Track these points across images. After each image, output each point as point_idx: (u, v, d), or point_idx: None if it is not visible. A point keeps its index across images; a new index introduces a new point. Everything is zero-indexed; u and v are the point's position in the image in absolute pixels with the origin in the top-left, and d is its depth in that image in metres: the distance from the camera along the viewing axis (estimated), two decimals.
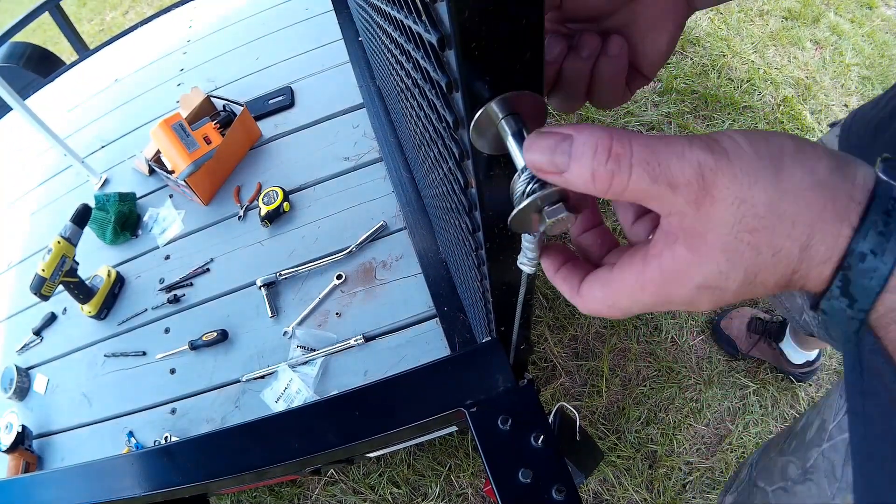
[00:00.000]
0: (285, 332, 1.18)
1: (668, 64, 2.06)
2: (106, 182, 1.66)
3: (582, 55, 0.33)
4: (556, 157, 0.24)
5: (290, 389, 1.10)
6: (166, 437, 1.14)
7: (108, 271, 1.37)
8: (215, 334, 1.20)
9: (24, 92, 2.12)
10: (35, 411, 1.31)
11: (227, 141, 1.44)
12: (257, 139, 1.55)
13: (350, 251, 1.23)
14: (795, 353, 1.35)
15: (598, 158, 0.23)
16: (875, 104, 0.75)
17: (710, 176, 0.22)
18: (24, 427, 1.22)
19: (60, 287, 1.27)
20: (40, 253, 1.31)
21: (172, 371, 1.23)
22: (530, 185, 0.26)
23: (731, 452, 1.37)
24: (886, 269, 0.21)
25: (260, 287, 1.24)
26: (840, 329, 0.24)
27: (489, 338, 0.64)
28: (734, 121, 1.89)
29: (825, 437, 0.62)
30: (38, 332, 1.42)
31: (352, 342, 1.12)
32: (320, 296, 1.20)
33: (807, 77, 2.00)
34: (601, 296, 0.28)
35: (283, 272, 1.24)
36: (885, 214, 0.21)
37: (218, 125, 1.49)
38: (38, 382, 1.34)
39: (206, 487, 0.69)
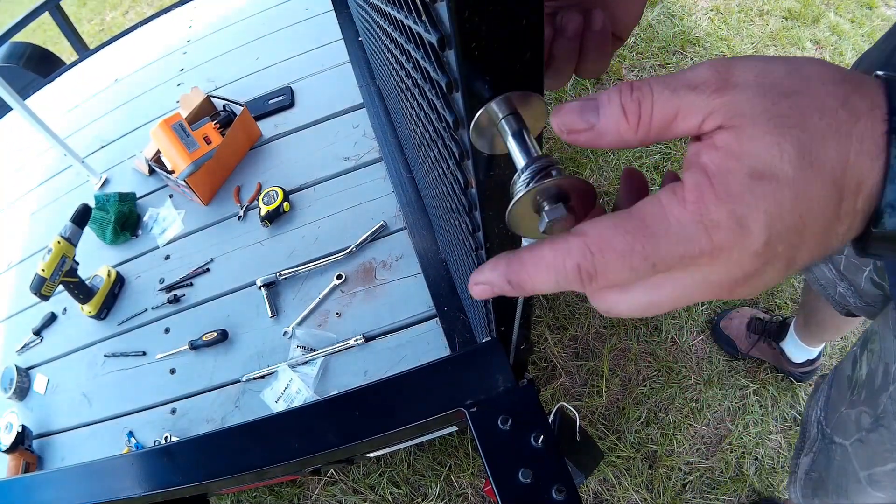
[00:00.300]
0: (285, 332, 1.18)
1: (669, 64, 2.07)
2: (106, 182, 1.66)
3: (567, 35, 0.33)
4: (586, 113, 0.24)
5: (290, 389, 1.10)
6: (166, 437, 1.14)
7: (108, 271, 1.37)
8: (215, 334, 1.20)
9: (24, 92, 2.12)
10: (35, 411, 1.31)
11: (227, 141, 1.44)
12: (257, 139, 1.55)
13: (350, 251, 1.23)
14: (797, 351, 1.35)
15: (624, 95, 0.23)
16: (878, 45, 0.75)
17: (725, 67, 0.22)
18: (24, 427, 1.22)
19: (60, 287, 1.27)
20: (40, 253, 1.31)
21: (172, 371, 1.23)
22: (531, 184, 0.26)
23: (731, 452, 1.37)
24: None
25: (260, 287, 1.24)
26: None
27: (489, 338, 0.64)
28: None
29: (891, 381, 0.61)
30: (38, 332, 1.42)
31: (352, 342, 1.12)
32: (320, 296, 1.20)
33: None
34: (616, 221, 0.22)
35: (283, 272, 1.24)
36: None
37: (218, 125, 1.49)
38: (38, 382, 1.34)
39: (206, 487, 0.69)
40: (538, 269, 0.24)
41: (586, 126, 0.24)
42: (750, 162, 0.21)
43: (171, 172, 1.41)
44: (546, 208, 0.26)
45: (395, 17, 0.43)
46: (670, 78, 0.23)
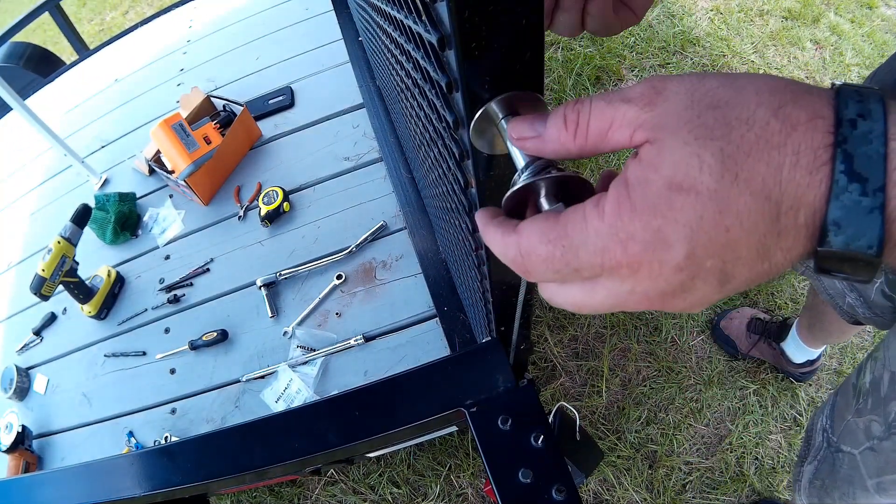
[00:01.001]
0: (285, 332, 1.18)
1: (669, 64, 2.06)
2: (106, 182, 1.66)
3: None
4: (535, 123, 0.25)
5: (290, 389, 1.10)
6: (166, 437, 1.14)
7: (108, 271, 1.37)
8: (215, 334, 1.20)
9: (24, 92, 2.12)
10: (35, 411, 1.31)
11: (227, 141, 1.44)
12: (257, 139, 1.55)
13: (350, 251, 1.23)
14: (798, 352, 1.35)
15: (568, 107, 0.24)
16: (889, 65, 0.75)
17: (660, 81, 0.22)
18: (24, 427, 1.22)
19: (60, 287, 1.27)
20: (40, 253, 1.31)
21: (172, 371, 1.23)
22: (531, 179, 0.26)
23: (730, 452, 1.37)
24: (880, 127, 0.19)
25: (260, 287, 1.24)
26: (865, 240, 0.19)
27: (489, 338, 0.64)
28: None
29: None
30: (38, 332, 1.42)
31: (352, 342, 1.12)
32: (320, 296, 1.20)
33: (807, 77, 2.00)
34: (543, 227, 0.23)
35: (283, 272, 1.24)
36: (857, 94, 0.20)
37: (218, 125, 1.49)
38: (38, 382, 1.34)
39: (206, 487, 0.69)
40: (492, 246, 0.27)
41: (534, 134, 0.25)
42: (668, 173, 0.20)
43: (171, 172, 1.41)
44: (546, 207, 0.26)
45: (395, 17, 0.43)
46: (611, 93, 0.23)
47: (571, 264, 0.23)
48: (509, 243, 0.25)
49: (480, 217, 0.28)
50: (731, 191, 0.20)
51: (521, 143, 0.26)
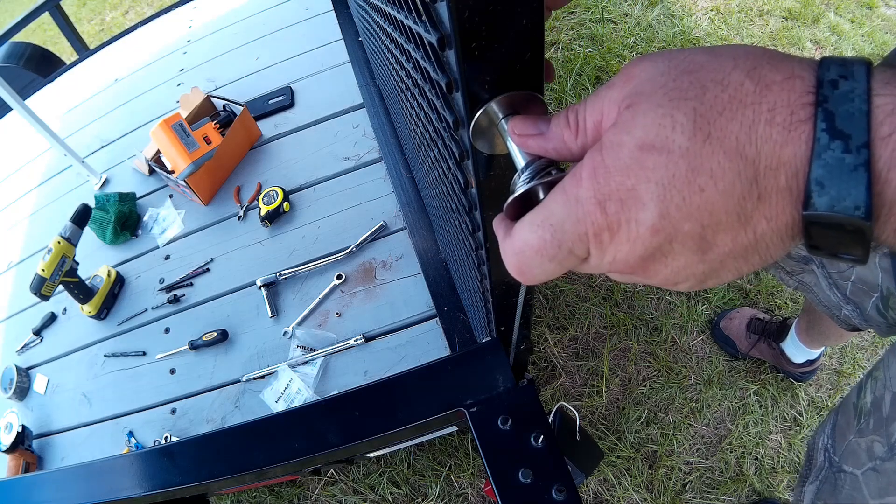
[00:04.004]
0: (285, 332, 1.18)
1: None
2: (106, 182, 1.66)
3: None
4: (539, 122, 0.26)
5: (290, 389, 1.10)
6: (166, 437, 1.14)
7: (108, 271, 1.37)
8: (215, 334, 1.20)
9: (24, 92, 2.12)
10: (35, 411, 1.31)
11: (227, 141, 1.44)
12: (257, 139, 1.55)
13: (350, 251, 1.23)
14: (798, 352, 1.35)
15: (569, 109, 0.25)
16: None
17: (637, 60, 0.23)
18: (24, 427, 1.22)
19: (60, 287, 1.27)
20: (40, 253, 1.31)
21: (172, 371, 1.23)
22: (531, 183, 0.26)
23: (730, 452, 1.37)
24: (862, 86, 0.18)
25: (260, 287, 1.24)
26: (850, 200, 0.18)
27: (489, 338, 0.64)
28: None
29: None
30: (38, 332, 1.41)
31: (352, 342, 1.12)
32: (320, 296, 1.20)
33: None
34: (529, 217, 0.24)
35: (283, 272, 1.24)
36: (840, 60, 0.19)
37: (218, 125, 1.49)
38: (38, 382, 1.34)
39: (206, 487, 0.69)
40: (505, 254, 0.26)
41: (536, 132, 0.25)
42: (640, 134, 0.20)
43: (171, 172, 1.41)
44: None
45: (395, 17, 0.43)
46: (599, 88, 0.24)
47: (564, 244, 0.23)
48: (505, 250, 0.25)
49: (497, 229, 0.28)
50: (704, 149, 0.19)
51: (522, 140, 0.26)
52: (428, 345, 1.08)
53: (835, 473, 0.74)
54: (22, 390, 1.33)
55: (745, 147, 0.19)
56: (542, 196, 0.26)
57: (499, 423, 0.56)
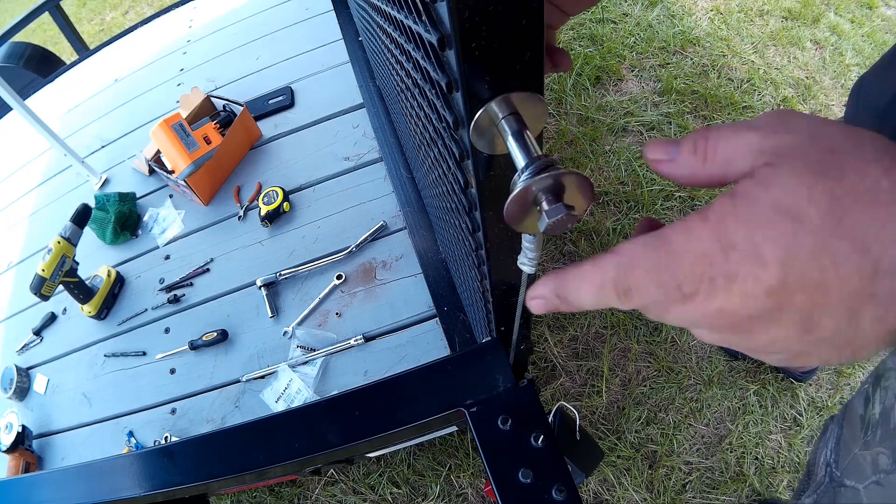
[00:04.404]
0: (285, 332, 1.18)
1: (669, 64, 2.06)
2: (106, 182, 1.66)
3: None
4: (669, 146, 0.25)
5: (290, 389, 1.10)
6: (166, 437, 1.14)
7: (108, 271, 1.37)
8: (215, 334, 1.20)
9: (24, 92, 2.12)
10: (35, 411, 1.31)
11: (227, 141, 1.44)
12: (257, 139, 1.55)
13: (350, 251, 1.23)
14: None
15: (699, 134, 0.25)
16: (879, 73, 0.74)
17: (786, 114, 0.23)
18: (24, 427, 1.22)
19: (60, 287, 1.27)
20: (40, 253, 1.31)
21: (172, 371, 1.23)
22: (531, 183, 0.26)
23: (730, 452, 1.37)
24: None
25: (260, 287, 1.24)
26: None
27: (489, 338, 0.64)
28: (734, 121, 1.89)
29: None
30: (38, 332, 1.41)
31: (352, 342, 1.12)
32: (320, 296, 1.20)
33: (807, 77, 2.00)
34: (645, 240, 0.23)
35: (283, 272, 1.24)
36: None
37: (218, 125, 1.49)
38: (38, 382, 1.34)
39: (206, 487, 0.69)
40: (581, 283, 0.25)
41: (668, 157, 0.25)
42: (777, 195, 0.20)
43: (171, 172, 1.41)
44: (546, 207, 0.26)
45: (395, 17, 0.43)
46: (738, 122, 0.24)
47: (676, 274, 0.22)
48: (605, 265, 0.24)
49: (555, 273, 0.27)
50: (834, 232, 0.19)
51: (655, 165, 0.26)
52: (428, 345, 1.08)
53: (835, 489, 0.73)
54: (22, 390, 1.33)
55: (872, 244, 0.19)
56: (541, 196, 0.26)
57: (499, 423, 0.56)
